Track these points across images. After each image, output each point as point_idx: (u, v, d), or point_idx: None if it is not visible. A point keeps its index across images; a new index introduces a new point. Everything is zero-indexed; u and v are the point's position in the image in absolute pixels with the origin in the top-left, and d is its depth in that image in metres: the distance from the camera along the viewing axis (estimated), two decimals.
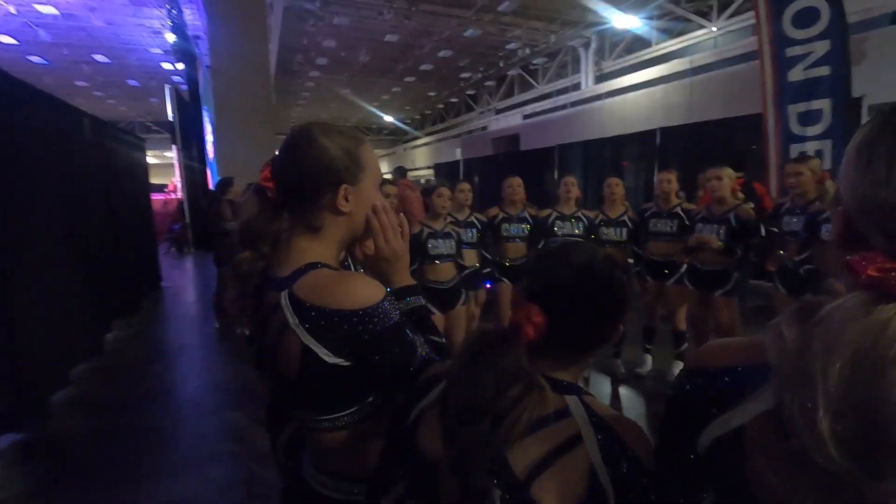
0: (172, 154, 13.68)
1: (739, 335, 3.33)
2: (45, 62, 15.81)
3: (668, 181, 3.75)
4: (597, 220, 3.84)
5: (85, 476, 2.71)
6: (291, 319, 0.84)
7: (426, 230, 3.32)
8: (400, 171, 8.72)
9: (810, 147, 4.73)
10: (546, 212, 3.81)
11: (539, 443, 0.68)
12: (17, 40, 13.85)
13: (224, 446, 2.96)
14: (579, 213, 3.78)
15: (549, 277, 0.77)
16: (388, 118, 26.72)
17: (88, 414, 3.47)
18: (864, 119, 5.11)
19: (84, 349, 4.23)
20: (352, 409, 0.91)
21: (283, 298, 0.86)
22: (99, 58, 16.01)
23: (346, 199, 0.94)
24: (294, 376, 0.88)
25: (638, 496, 0.66)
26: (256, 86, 8.53)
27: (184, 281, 8.78)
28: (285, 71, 16.67)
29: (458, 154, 15.63)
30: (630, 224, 3.87)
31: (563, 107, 16.14)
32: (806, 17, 4.68)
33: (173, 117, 11.34)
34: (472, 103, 22.80)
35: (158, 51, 15.31)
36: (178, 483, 2.63)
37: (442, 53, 15.85)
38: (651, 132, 6.94)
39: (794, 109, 4.85)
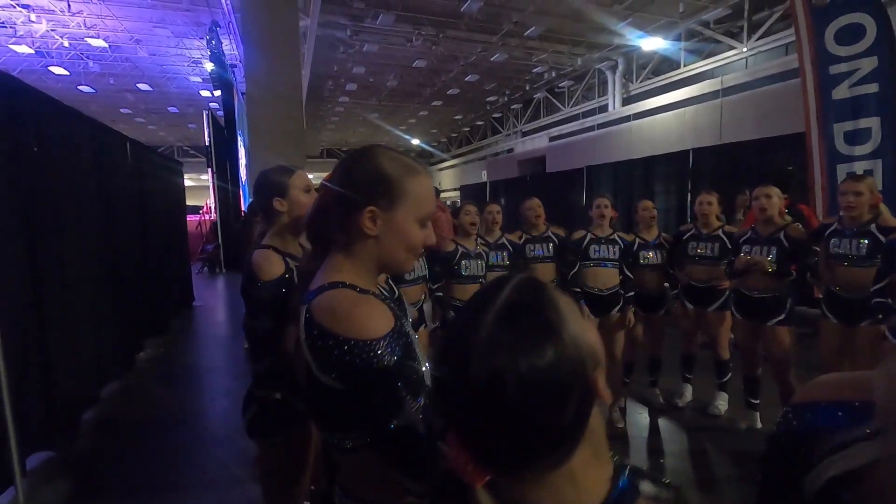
0: (207, 177, 14.16)
1: (792, 367, 3.12)
2: (93, 90, 16.73)
3: (708, 203, 3.58)
4: (634, 244, 3.70)
5: (110, 494, 2.71)
6: (302, 333, 0.86)
7: (461, 249, 3.26)
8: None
9: (858, 167, 4.52)
10: (580, 234, 3.59)
11: None
12: (69, 71, 14.72)
13: (246, 471, 2.92)
14: (615, 236, 3.54)
15: (458, 402, 0.50)
16: (415, 141, 27.13)
17: (116, 433, 3.48)
18: None
19: (115, 367, 4.29)
20: (353, 434, 0.87)
21: (303, 312, 0.87)
22: (142, 86, 16.87)
23: (374, 223, 0.90)
24: (302, 389, 0.89)
25: None
26: (289, 111, 8.78)
27: (215, 300, 8.93)
28: (316, 96, 17.18)
29: (483, 176, 15.70)
30: (667, 246, 3.73)
31: (591, 128, 16.09)
32: (850, 34, 4.53)
33: (209, 141, 11.77)
34: (498, 126, 22.97)
35: (197, 79, 16.04)
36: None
37: (469, 78, 16.09)
38: (683, 153, 6.80)
39: (840, 128, 4.66)
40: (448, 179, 26.09)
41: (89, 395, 3.70)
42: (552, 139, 17.95)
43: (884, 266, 2.66)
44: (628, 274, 3.50)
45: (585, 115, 16.97)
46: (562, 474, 0.50)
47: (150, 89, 17.22)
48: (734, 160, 6.24)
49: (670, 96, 13.22)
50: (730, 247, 3.43)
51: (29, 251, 2.89)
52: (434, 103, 19.57)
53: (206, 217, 14.87)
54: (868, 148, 4.51)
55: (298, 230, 1.68)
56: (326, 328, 0.82)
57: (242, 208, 11.62)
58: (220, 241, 11.53)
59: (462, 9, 10.72)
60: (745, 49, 11.75)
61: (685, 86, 13.10)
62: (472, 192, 14.08)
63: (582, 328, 0.50)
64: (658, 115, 13.13)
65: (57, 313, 3.14)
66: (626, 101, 15.28)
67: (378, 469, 0.87)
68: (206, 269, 11.88)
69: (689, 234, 3.68)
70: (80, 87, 16.15)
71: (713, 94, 11.86)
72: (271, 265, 1.55)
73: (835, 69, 4.65)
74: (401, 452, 0.81)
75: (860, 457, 0.45)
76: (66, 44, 12.94)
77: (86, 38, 12.55)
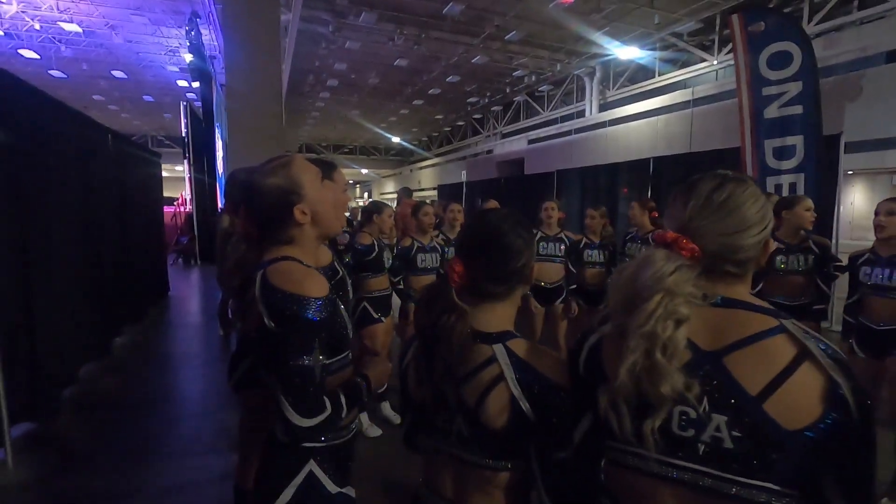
0: (183, 168, 13.96)
1: None
2: (65, 76, 16.29)
3: (591, 217, 4.03)
4: (580, 243, 4.03)
5: (89, 464, 2.82)
6: (257, 291, 1.10)
7: (416, 244, 3.60)
8: (406, 192, 8.90)
9: (785, 180, 5.10)
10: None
11: (475, 387, 0.99)
12: (39, 55, 14.31)
13: (221, 442, 3.05)
14: (562, 235, 3.99)
15: (463, 239, 1.11)
16: (396, 139, 27.18)
17: (94, 410, 3.57)
18: (842, 154, 5.38)
19: (93, 350, 4.35)
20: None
21: (259, 276, 1.12)
22: (117, 73, 16.49)
23: (304, 213, 1.20)
24: (253, 339, 1.16)
25: (553, 408, 0.94)
26: (268, 105, 8.77)
27: (190, 291, 8.89)
28: (296, 91, 17.10)
29: (463, 176, 15.88)
30: (611, 248, 4.09)
31: (568, 133, 16.45)
32: (780, 60, 5.04)
33: (186, 133, 11.62)
34: (478, 127, 23.22)
35: (175, 68, 15.77)
36: (175, 471, 2.76)
37: (450, 78, 16.26)
38: (645, 161, 7.17)
39: (770, 144, 5.18)
40: (428, 178, 26.22)
41: (68, 374, 3.79)
42: (531, 142, 18.28)
43: None
44: (571, 269, 3.93)
45: (563, 119, 17.36)
46: (498, 313, 1.05)
47: (125, 77, 16.85)
48: (690, 169, 6.60)
49: (644, 104, 13.67)
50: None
51: (17, 239, 3.00)
52: (415, 102, 19.69)
53: (181, 209, 14.66)
54: (793, 163, 5.02)
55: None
56: (278, 286, 1.08)
57: (219, 201, 11.53)
58: (195, 233, 11.43)
59: (444, 10, 10.89)
60: (715, 62, 12.24)
61: (658, 95, 13.57)
62: (449, 192, 14.27)
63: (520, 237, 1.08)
64: (633, 123, 13.55)
65: (41, 297, 3.21)
66: (603, 107, 15.70)
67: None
68: (180, 260, 11.75)
69: (582, 242, 4.09)
70: (50, 72, 15.71)
71: (684, 105, 12.33)
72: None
73: (767, 91, 5.16)
74: (294, 387, 1.07)
75: (602, 332, 0.90)
76: (37, 26, 12.60)
77: (58, 22, 12.24)
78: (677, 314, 0.75)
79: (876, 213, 2.77)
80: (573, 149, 14.91)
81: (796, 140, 5.00)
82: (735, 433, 0.73)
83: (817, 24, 9.19)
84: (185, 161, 11.91)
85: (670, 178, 6.68)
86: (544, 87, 17.56)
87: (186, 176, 12.53)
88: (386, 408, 3.54)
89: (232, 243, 1.62)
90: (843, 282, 3.12)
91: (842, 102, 7.79)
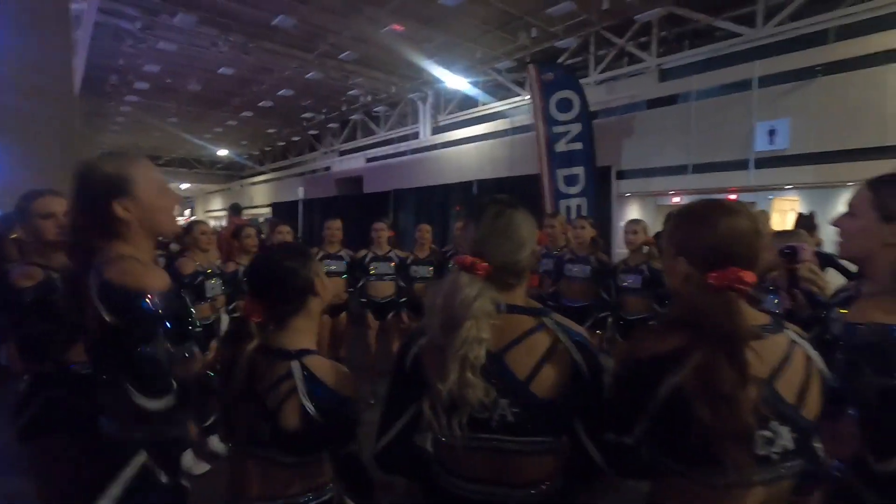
0: None
1: None
2: None
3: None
4: (408, 259, 4.32)
5: None
6: (94, 289, 1.11)
7: (242, 268, 3.55)
8: (234, 209, 8.29)
9: (573, 202, 6.42)
10: (362, 253, 4.24)
11: (275, 397, 1.14)
12: None
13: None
14: (391, 254, 4.26)
15: (248, 279, 1.32)
16: (223, 152, 25.00)
17: None
18: (613, 182, 6.84)
19: None
20: (107, 362, 1.18)
21: (94, 275, 1.13)
22: None
23: (127, 210, 1.18)
24: (92, 339, 1.17)
25: (339, 415, 1.16)
26: (55, 104, 7.40)
27: None
28: (95, 92, 14.68)
29: (300, 193, 15.31)
30: (436, 263, 4.43)
31: (404, 153, 17.06)
32: (565, 105, 6.35)
33: None
34: (315, 143, 22.68)
35: None
36: None
37: (282, 92, 15.65)
38: (469, 183, 7.94)
39: (561, 172, 6.42)
40: (261, 195, 24.64)
41: None
42: (369, 160, 18.49)
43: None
44: (402, 284, 4.21)
45: (400, 140, 17.96)
46: (301, 321, 1.25)
47: None
48: (509, 191, 7.49)
49: (472, 130, 14.92)
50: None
51: None
52: (244, 114, 18.43)
53: None
54: (578, 188, 6.35)
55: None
56: (116, 282, 1.11)
57: None
58: None
59: (273, 22, 10.50)
60: (527, 96, 13.98)
61: (483, 122, 14.94)
62: (285, 210, 13.64)
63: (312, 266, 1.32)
64: (463, 146, 14.67)
65: None
66: (436, 130, 16.68)
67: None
68: None
69: (410, 259, 4.43)
70: None
71: (504, 132, 13.80)
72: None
73: (556, 129, 6.44)
74: (142, 373, 1.12)
75: (421, 345, 1.14)
76: None
77: None
78: (481, 337, 1.00)
79: (625, 232, 3.50)
80: (410, 169, 15.53)
81: (579, 170, 6.23)
82: (514, 409, 1.04)
83: (601, 72, 11.16)
84: None
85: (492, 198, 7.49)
86: (380, 108, 17.98)
87: None
88: (214, 441, 3.29)
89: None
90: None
91: (620, 138, 9.58)
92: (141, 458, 1.14)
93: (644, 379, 0.98)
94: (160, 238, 1.33)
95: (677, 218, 1.11)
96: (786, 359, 0.96)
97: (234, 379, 1.16)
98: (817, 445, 1.01)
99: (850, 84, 7.00)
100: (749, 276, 0.95)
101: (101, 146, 25.34)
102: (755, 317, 1.00)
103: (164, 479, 1.17)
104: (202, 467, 3.10)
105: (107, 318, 1.07)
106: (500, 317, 1.04)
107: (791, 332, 1.02)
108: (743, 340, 0.89)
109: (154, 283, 1.13)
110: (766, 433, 0.92)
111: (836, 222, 1.38)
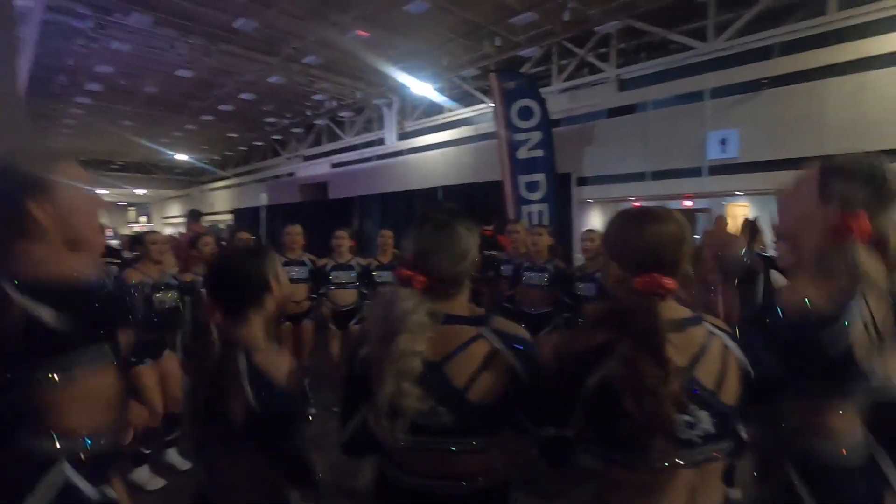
0: None
1: None
2: None
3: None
4: (370, 266, 4.33)
5: None
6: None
7: (154, 281, 3.26)
8: (193, 215, 8.04)
9: (535, 209, 6.49)
10: (324, 261, 4.23)
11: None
12: None
13: None
14: (353, 262, 4.26)
15: (208, 282, 1.37)
16: (182, 157, 24.21)
17: None
18: (573, 188, 7.03)
19: None
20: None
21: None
22: None
23: (44, 210, 1.14)
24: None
25: (278, 405, 1.18)
26: None
27: None
28: (43, 93, 13.99)
29: (262, 199, 14.97)
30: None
31: (370, 159, 16.94)
32: (526, 113, 6.45)
33: None
34: (279, 148, 22.26)
35: None
36: None
37: (244, 96, 15.33)
38: (435, 189, 7.96)
39: (523, 179, 6.51)
40: (222, 201, 23.96)
41: None
42: (334, 166, 18.29)
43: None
44: (364, 291, 4.23)
45: (365, 145, 17.84)
46: (254, 318, 1.29)
47: None
48: (474, 196, 7.58)
49: (438, 136, 14.97)
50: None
51: None
52: (204, 118, 17.93)
53: None
54: (540, 195, 6.45)
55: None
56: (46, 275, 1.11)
57: None
58: None
59: (235, 24, 10.28)
60: (492, 104, 14.15)
61: (449, 129, 15.03)
62: (247, 216, 13.31)
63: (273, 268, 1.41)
64: (429, 152, 14.69)
65: None
66: (402, 136, 16.65)
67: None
68: None
69: (372, 266, 4.46)
70: None
71: (469, 139, 13.91)
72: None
73: (518, 137, 6.53)
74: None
75: (365, 354, 1.21)
76: None
77: None
78: (416, 350, 1.06)
79: (581, 240, 3.61)
80: (375, 175, 15.44)
81: (540, 177, 6.32)
82: (451, 415, 1.11)
83: (563, 81, 11.44)
84: None
85: (457, 204, 7.58)
86: (346, 114, 17.84)
87: None
88: (173, 454, 3.20)
89: None
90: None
91: (582, 146, 9.82)
92: (63, 471, 1.07)
93: (576, 370, 1.05)
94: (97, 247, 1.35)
95: (610, 224, 1.19)
96: (703, 349, 1.04)
97: (203, 378, 1.22)
98: (739, 427, 1.08)
99: (793, 96, 7.43)
100: (669, 283, 1.03)
101: (50, 150, 24.07)
102: (677, 311, 1.09)
103: (90, 493, 1.11)
104: (157, 483, 2.98)
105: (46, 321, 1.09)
106: (438, 328, 1.09)
107: (709, 325, 1.10)
108: (662, 338, 0.96)
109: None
110: (687, 418, 0.99)
111: (780, 193, 1.44)
